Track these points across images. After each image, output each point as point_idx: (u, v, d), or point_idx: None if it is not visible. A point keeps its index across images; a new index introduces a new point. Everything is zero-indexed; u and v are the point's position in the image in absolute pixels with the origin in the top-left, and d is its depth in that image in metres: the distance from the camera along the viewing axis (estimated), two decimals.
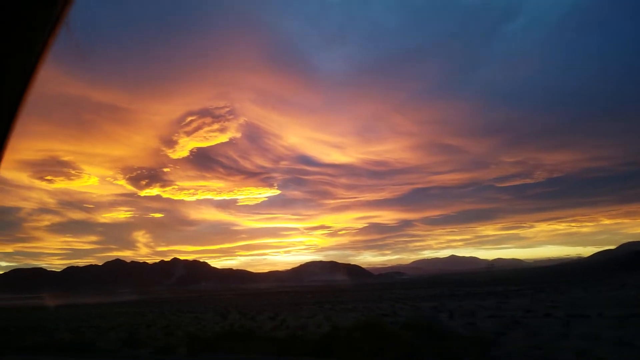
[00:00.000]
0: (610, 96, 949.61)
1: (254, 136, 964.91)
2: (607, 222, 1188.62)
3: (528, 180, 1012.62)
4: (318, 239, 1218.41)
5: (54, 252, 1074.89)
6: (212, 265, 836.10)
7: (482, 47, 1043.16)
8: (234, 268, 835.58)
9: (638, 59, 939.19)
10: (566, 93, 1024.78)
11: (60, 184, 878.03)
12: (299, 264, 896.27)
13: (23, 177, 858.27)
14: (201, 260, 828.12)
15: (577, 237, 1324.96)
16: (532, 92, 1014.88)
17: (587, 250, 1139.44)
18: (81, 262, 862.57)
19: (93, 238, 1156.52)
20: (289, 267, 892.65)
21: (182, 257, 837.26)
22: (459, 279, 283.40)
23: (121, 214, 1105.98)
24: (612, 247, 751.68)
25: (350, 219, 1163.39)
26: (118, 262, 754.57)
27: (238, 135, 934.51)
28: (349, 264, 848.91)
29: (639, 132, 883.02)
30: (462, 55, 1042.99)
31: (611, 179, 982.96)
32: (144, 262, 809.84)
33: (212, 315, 49.30)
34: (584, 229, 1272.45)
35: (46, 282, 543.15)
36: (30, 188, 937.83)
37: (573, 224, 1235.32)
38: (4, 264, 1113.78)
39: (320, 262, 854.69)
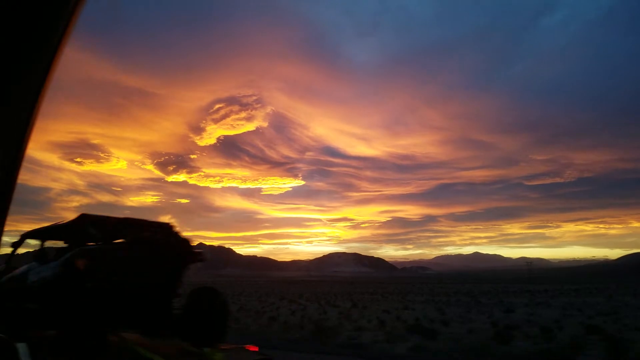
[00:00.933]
0: None
1: (281, 126, 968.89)
2: (636, 224, 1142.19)
3: (558, 179, 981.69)
4: (340, 231, 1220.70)
5: None
6: (237, 251, 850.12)
7: (517, 41, 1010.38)
8: (258, 255, 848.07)
9: None
10: (601, 91, 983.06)
11: (90, 166, 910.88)
12: (322, 255, 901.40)
13: (53, 159, 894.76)
14: (226, 247, 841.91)
15: (605, 239, 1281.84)
16: (567, 89, 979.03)
17: (613, 253, 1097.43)
18: None
19: None
20: (311, 257, 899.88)
21: (207, 243, 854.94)
22: (491, 275, 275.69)
23: (148, 198, 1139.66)
24: None
25: (373, 212, 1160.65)
26: None
27: (265, 124, 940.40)
28: (372, 257, 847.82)
29: None
30: (497, 49, 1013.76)
31: None
32: None
33: (285, 302, 47.13)
34: (612, 231, 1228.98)
35: None
36: (60, 169, 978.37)
37: (601, 226, 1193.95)
38: (33, 242, 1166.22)
39: (344, 253, 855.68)
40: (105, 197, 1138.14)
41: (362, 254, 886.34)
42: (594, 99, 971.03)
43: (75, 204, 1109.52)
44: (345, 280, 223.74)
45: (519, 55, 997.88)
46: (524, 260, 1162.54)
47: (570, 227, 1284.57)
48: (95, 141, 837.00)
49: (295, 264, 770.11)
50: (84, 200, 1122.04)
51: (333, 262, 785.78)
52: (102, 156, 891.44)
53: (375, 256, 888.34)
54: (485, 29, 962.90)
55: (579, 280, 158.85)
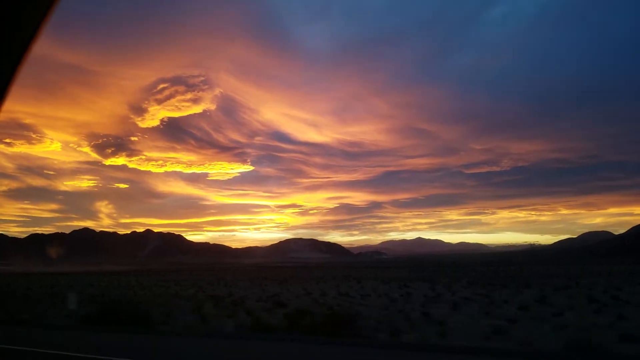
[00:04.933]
0: (580, 90, 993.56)
1: (229, 109, 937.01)
2: (564, 212, 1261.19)
3: (494, 168, 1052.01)
4: (288, 217, 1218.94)
5: (11, 219, 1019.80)
6: (188, 238, 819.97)
7: (462, 33, 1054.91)
8: (210, 242, 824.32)
9: (613, 55, 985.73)
10: (539, 85, 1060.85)
11: (20, 147, 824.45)
12: (275, 241, 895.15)
13: None
14: (175, 233, 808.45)
15: (536, 225, 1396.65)
16: (507, 82, 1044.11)
17: (544, 238, 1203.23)
18: (40, 230, 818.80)
19: (53, 206, 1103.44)
20: (260, 244, 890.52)
21: (155, 230, 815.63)
22: (464, 260, 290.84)
23: (84, 183, 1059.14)
24: (573, 236, 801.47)
25: (321, 199, 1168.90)
26: (86, 232, 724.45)
27: (212, 107, 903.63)
28: (329, 242, 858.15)
29: (603, 126, 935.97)
30: (443, 40, 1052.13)
31: (572, 170, 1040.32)
32: (114, 233, 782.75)
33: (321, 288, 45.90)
34: (543, 218, 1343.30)
35: (9, 249, 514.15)
36: None
37: (533, 212, 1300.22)
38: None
39: (300, 239, 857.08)
40: (37, 181, 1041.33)
41: (319, 239, 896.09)
42: (530, 91, 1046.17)
43: (3, 187, 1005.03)
44: (314, 265, 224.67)
45: (462, 47, 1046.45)
46: (463, 244, 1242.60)
47: (504, 214, 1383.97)
48: (26, 121, 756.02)
49: (251, 251, 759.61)
50: (13, 184, 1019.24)
51: (289, 248, 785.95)
52: (34, 137, 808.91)
53: (332, 242, 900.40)
54: (432, 19, 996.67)
55: (517, 263, 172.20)
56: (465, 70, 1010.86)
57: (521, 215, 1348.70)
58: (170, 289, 46.99)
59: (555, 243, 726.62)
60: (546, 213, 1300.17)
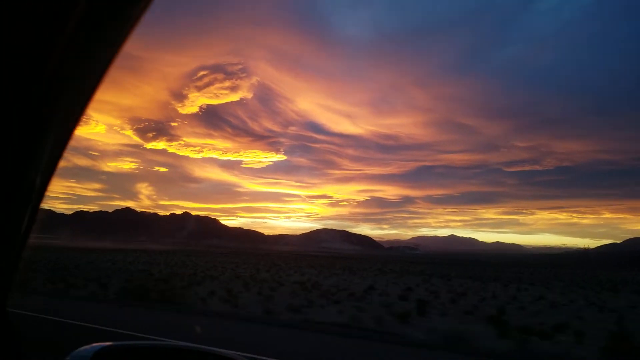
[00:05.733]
0: (633, 88, 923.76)
1: (265, 98, 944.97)
2: (608, 215, 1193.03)
3: (537, 167, 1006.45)
4: (319, 208, 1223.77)
5: (57, 196, 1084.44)
6: (223, 223, 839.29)
7: (510, 24, 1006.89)
8: (244, 228, 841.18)
9: None
10: (589, 81, 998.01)
11: None
12: (305, 230, 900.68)
13: None
14: (211, 217, 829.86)
15: (576, 228, 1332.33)
16: (555, 77, 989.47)
17: (584, 242, 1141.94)
18: (84, 207, 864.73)
19: (96, 185, 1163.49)
20: (290, 232, 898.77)
21: (193, 213, 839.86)
22: (511, 260, 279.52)
23: (126, 164, 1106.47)
24: (617, 241, 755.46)
25: (353, 191, 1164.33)
26: (128, 211, 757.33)
27: (249, 95, 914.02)
28: (360, 235, 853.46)
29: None
30: (490, 31, 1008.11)
31: (619, 172, 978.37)
32: (155, 214, 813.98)
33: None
34: (584, 221, 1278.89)
35: (56, 224, 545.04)
36: None
37: (574, 215, 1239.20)
38: None
39: (331, 230, 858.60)
40: (82, 161, 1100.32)
41: (350, 231, 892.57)
42: (580, 87, 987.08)
43: None
44: (350, 257, 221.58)
45: (510, 39, 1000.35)
46: (498, 244, 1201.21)
47: (544, 215, 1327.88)
48: None
49: (283, 239, 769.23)
50: (61, 163, 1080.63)
51: (320, 238, 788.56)
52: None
53: (364, 234, 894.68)
54: (480, 9, 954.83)
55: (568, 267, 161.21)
56: (512, 63, 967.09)
57: (562, 217, 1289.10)
58: (236, 271, 44.86)
59: (597, 247, 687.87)
60: (589, 216, 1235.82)
